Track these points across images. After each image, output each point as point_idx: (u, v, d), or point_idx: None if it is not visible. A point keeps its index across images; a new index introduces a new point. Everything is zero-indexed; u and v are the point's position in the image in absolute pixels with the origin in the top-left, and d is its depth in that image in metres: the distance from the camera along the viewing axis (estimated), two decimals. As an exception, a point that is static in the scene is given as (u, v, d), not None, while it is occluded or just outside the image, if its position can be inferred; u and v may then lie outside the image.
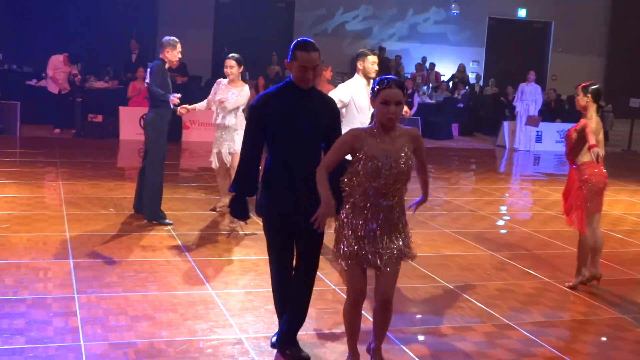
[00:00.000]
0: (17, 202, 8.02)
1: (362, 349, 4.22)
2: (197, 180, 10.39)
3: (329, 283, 5.78)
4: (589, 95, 5.83)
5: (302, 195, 4.05)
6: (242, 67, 7.58)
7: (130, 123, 13.62)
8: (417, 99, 17.24)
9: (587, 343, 5.09)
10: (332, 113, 4.25)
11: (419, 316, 5.35)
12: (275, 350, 4.41)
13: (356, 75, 6.62)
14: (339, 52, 18.89)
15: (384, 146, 3.84)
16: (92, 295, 5.20)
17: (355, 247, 3.89)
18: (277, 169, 4.13)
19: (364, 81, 6.54)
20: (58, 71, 14.11)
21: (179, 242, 6.75)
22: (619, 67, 22.09)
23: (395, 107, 3.78)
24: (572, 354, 4.74)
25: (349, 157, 3.94)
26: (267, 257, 4.36)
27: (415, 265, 6.24)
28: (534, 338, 4.95)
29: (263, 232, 4.31)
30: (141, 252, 6.38)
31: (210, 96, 7.74)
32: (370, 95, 3.96)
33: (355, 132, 3.91)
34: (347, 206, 3.93)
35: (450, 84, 19.70)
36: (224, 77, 7.68)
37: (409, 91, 16.31)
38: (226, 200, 7.62)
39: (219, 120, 7.63)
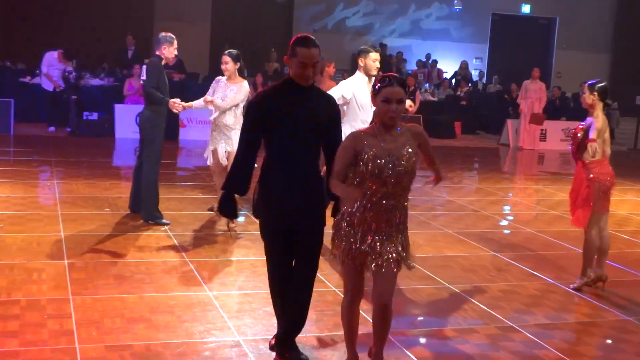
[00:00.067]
0: (11, 202, 7.92)
1: (363, 354, 4.14)
2: (194, 180, 10.28)
3: (329, 284, 5.69)
4: (596, 93, 5.76)
5: (300, 195, 3.98)
6: (238, 63, 7.42)
7: (126, 121, 13.50)
8: (419, 97, 17.12)
9: (591, 345, 5.01)
10: (332, 111, 4.17)
11: (420, 318, 5.27)
12: (274, 353, 4.32)
13: (358, 72, 6.58)
14: (339, 49, 18.79)
15: (385, 145, 3.77)
16: (87, 297, 5.12)
17: (353, 246, 3.83)
18: (275, 169, 4.04)
19: (366, 78, 6.50)
20: (52, 68, 13.93)
21: (176, 243, 6.66)
22: (624, 64, 21.83)
23: (396, 105, 3.73)
24: (577, 357, 4.67)
25: None
26: (265, 258, 4.27)
27: (417, 266, 6.14)
28: (537, 340, 4.88)
29: (259, 233, 4.22)
30: (137, 253, 6.30)
31: (208, 94, 7.63)
32: (371, 93, 3.88)
33: (354, 135, 3.86)
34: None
35: (453, 81, 19.59)
36: (222, 74, 7.58)
37: (412, 89, 16.20)
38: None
39: (216, 117, 7.50)
